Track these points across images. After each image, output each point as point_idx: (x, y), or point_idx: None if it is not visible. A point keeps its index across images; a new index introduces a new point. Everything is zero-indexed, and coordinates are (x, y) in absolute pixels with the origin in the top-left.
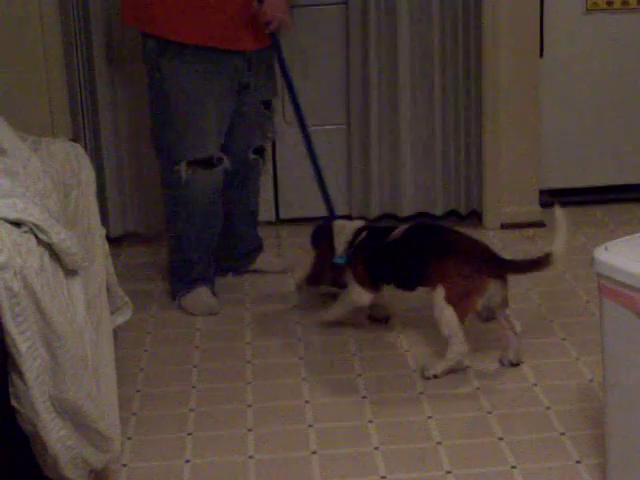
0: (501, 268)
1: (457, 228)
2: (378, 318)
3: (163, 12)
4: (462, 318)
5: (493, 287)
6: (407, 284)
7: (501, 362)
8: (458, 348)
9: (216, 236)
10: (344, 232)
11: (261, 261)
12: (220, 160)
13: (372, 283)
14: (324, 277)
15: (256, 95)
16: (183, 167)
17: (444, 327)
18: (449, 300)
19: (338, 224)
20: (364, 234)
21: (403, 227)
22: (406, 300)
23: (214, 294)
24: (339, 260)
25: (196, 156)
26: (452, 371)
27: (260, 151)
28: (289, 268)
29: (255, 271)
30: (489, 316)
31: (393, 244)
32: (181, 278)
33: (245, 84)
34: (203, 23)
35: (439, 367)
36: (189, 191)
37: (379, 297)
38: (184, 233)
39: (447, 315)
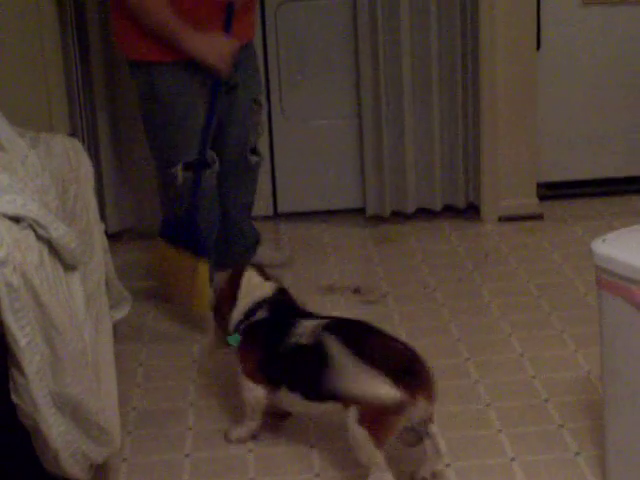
0: (425, 383)
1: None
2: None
3: (146, 37)
4: (379, 444)
5: (415, 406)
6: (314, 396)
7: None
8: (378, 475)
9: (214, 235)
10: (249, 293)
11: (261, 254)
12: (214, 161)
13: (265, 379)
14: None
15: (246, 93)
16: (179, 169)
17: (360, 454)
18: (362, 423)
19: (250, 279)
20: (264, 309)
21: (315, 322)
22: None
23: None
24: (231, 341)
25: (191, 158)
26: None
27: (257, 151)
28: (289, 261)
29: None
30: (415, 439)
31: (302, 347)
32: None
33: (233, 84)
34: None
35: None
36: (184, 193)
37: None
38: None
39: (361, 440)
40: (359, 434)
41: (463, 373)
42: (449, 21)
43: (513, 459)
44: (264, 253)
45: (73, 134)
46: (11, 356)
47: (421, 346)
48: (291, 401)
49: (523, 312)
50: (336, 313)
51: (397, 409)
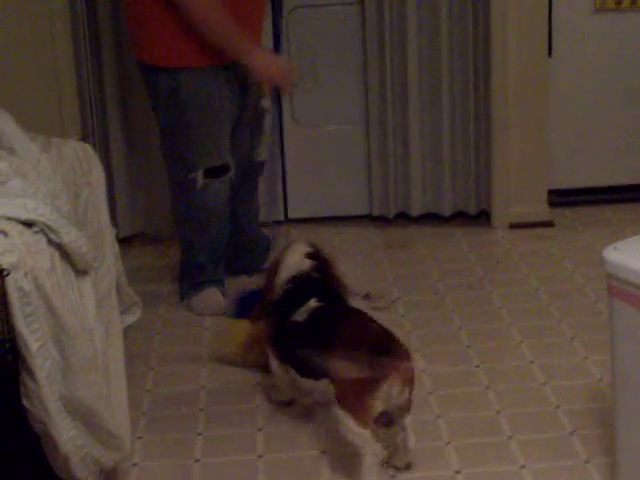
0: (400, 364)
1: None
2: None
3: (173, 44)
4: (360, 423)
5: (390, 386)
6: (308, 374)
7: (388, 465)
8: (372, 450)
9: (225, 240)
10: (289, 266)
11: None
12: (231, 167)
13: (281, 356)
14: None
15: (255, 97)
16: (200, 175)
17: (343, 432)
18: (341, 405)
19: (295, 250)
20: (291, 285)
21: (316, 304)
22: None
23: (223, 295)
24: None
25: (213, 163)
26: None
27: (261, 155)
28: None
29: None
30: (391, 421)
31: (297, 324)
32: (190, 280)
33: (246, 88)
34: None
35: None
36: (203, 198)
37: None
38: (195, 239)
39: (340, 419)
40: (337, 413)
41: (473, 380)
42: (460, 28)
43: (523, 466)
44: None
45: (84, 139)
46: (22, 361)
47: (431, 353)
48: (295, 378)
49: (533, 319)
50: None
51: (370, 388)
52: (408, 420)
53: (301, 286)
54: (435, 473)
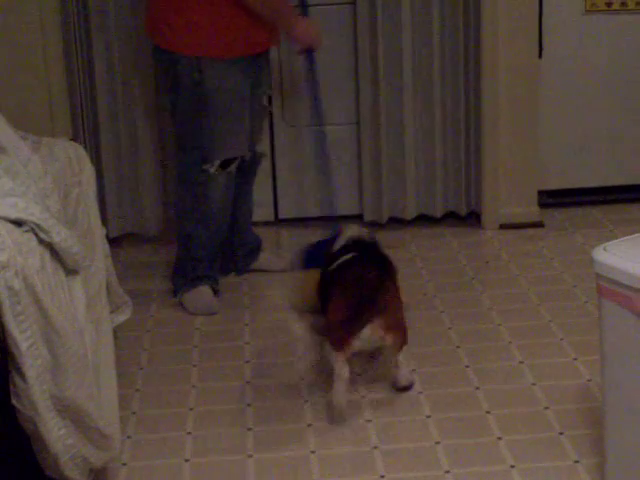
0: (376, 314)
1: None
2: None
3: (201, 33)
4: (338, 353)
5: (372, 333)
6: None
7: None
8: (341, 371)
9: (223, 237)
10: (345, 236)
11: (262, 260)
12: (243, 159)
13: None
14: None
15: (262, 91)
16: (215, 166)
17: (327, 356)
18: (324, 332)
19: (351, 228)
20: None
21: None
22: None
23: (216, 293)
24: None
25: (231, 155)
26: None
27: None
28: (289, 267)
29: (256, 270)
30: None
31: (327, 274)
32: (184, 275)
33: (258, 83)
34: (242, 35)
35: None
36: (210, 191)
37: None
38: (195, 232)
39: (327, 349)
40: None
41: (462, 380)
42: (451, 29)
43: (512, 466)
44: (265, 259)
45: (75, 138)
46: (12, 360)
47: (421, 353)
48: None
49: (523, 319)
50: None
51: (351, 330)
52: (400, 358)
53: (348, 245)
54: (424, 473)
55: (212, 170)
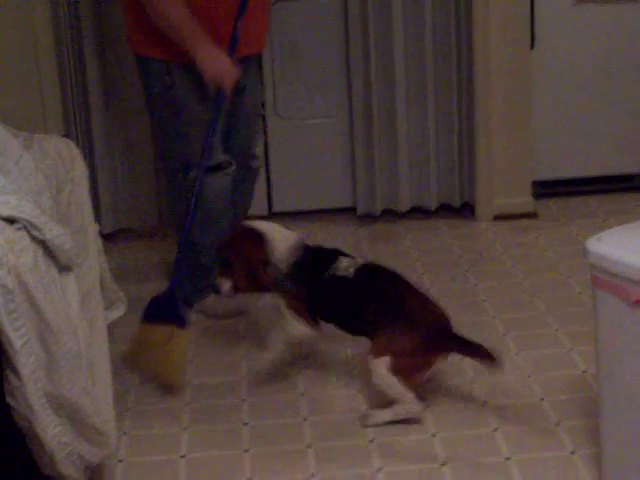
0: (451, 345)
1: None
2: None
3: (169, 38)
4: (409, 388)
5: (440, 361)
6: (350, 329)
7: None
8: (411, 407)
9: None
10: (283, 240)
11: None
12: (229, 163)
13: (310, 318)
14: (252, 284)
15: (250, 99)
16: (200, 174)
17: (391, 392)
18: (393, 372)
19: (274, 229)
20: (305, 254)
21: (352, 262)
22: None
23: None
24: (289, 285)
25: (214, 162)
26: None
27: (258, 156)
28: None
29: None
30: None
31: (342, 279)
32: (195, 284)
33: (241, 87)
34: (214, 39)
35: (382, 416)
36: (205, 197)
37: None
38: (198, 239)
39: (392, 384)
40: (389, 379)
41: (458, 371)
42: (443, 20)
43: (509, 458)
44: None
45: (67, 135)
46: (6, 358)
47: None
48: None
49: (518, 311)
50: None
51: (425, 365)
52: None
53: (318, 251)
54: (421, 465)
55: (198, 177)
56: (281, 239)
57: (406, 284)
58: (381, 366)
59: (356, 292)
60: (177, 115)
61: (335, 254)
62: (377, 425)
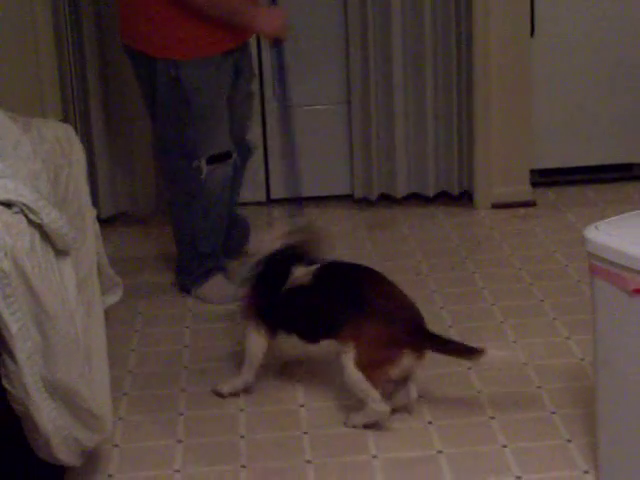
0: (424, 343)
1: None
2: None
3: (172, 36)
4: (375, 384)
5: (411, 360)
6: (311, 335)
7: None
8: (376, 407)
9: (225, 225)
10: (260, 249)
11: (254, 242)
12: (234, 151)
13: (266, 327)
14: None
15: (245, 81)
16: (203, 162)
17: (357, 391)
18: (360, 366)
19: (259, 239)
20: (265, 262)
21: (313, 267)
22: None
23: (229, 280)
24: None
25: (217, 151)
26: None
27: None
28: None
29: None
30: (395, 389)
31: (299, 288)
32: (192, 271)
33: (239, 72)
34: (214, 34)
35: (357, 419)
36: (209, 184)
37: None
38: (198, 227)
39: (358, 381)
40: (355, 375)
41: (455, 360)
42: (442, 6)
43: (505, 446)
44: (257, 240)
45: (65, 119)
46: (2, 342)
47: None
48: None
49: (516, 299)
50: None
51: (394, 360)
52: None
53: (284, 257)
54: (417, 453)
55: (203, 166)
56: (267, 243)
57: (371, 278)
58: (350, 362)
59: (315, 296)
60: (183, 110)
61: (289, 265)
62: (356, 427)
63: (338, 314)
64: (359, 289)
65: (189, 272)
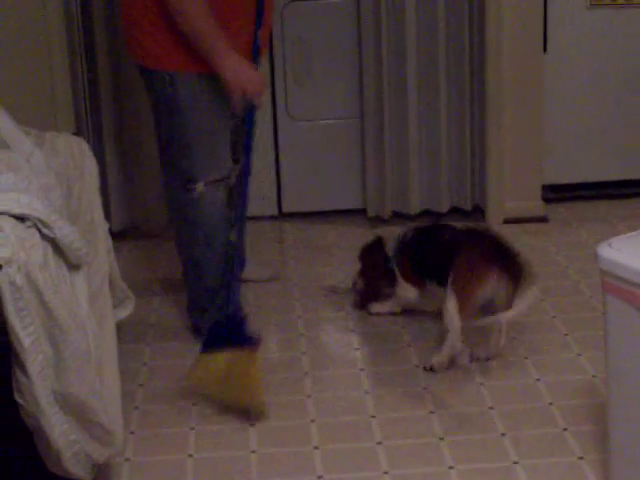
0: (508, 265)
1: (467, 223)
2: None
3: (177, 47)
4: (464, 310)
5: (497, 281)
6: (441, 280)
7: (472, 358)
8: (451, 342)
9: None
10: (393, 238)
11: (249, 271)
12: (231, 174)
13: (417, 279)
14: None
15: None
16: (199, 188)
17: (445, 318)
18: (453, 288)
19: (388, 234)
20: (410, 234)
21: (448, 228)
22: None
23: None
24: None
25: (213, 176)
26: (450, 365)
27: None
28: (276, 276)
29: (243, 281)
30: (494, 312)
31: (433, 244)
32: (204, 310)
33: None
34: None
35: (437, 359)
36: (205, 210)
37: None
38: (203, 256)
39: (450, 307)
40: (449, 301)
41: (466, 376)
42: (455, 23)
43: (516, 462)
44: (252, 269)
45: (78, 133)
46: (14, 355)
47: (424, 348)
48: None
49: (527, 315)
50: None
51: (481, 278)
52: (505, 320)
53: (419, 230)
54: (428, 469)
55: (198, 192)
56: (392, 238)
57: (481, 235)
58: (452, 301)
59: (443, 251)
60: (180, 127)
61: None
62: (432, 369)
63: (452, 262)
64: (465, 240)
65: (201, 311)
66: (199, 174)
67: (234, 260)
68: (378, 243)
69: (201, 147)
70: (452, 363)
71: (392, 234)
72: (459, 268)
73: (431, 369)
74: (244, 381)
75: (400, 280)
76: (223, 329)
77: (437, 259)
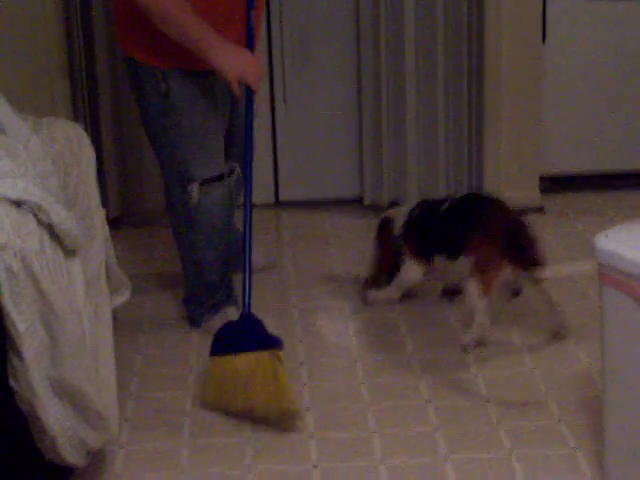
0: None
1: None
2: (450, 290)
3: (164, 44)
4: (487, 288)
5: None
6: (452, 253)
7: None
8: (479, 321)
9: (233, 252)
10: (400, 215)
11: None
12: (231, 171)
13: (424, 256)
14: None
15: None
16: (195, 188)
17: (467, 299)
18: (476, 268)
19: (393, 211)
20: (417, 210)
21: (452, 198)
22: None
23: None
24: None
25: (209, 175)
26: (479, 344)
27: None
28: (272, 264)
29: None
30: (517, 292)
31: (441, 215)
32: (202, 303)
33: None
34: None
35: (467, 338)
36: (204, 210)
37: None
38: (203, 256)
39: (470, 287)
40: (470, 281)
41: (462, 366)
42: (455, 13)
43: (511, 453)
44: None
45: (75, 119)
46: (9, 341)
47: (420, 338)
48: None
49: (523, 306)
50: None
51: (499, 257)
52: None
53: (426, 204)
54: (423, 459)
55: (195, 192)
56: (399, 215)
57: (491, 204)
58: (473, 284)
59: (453, 222)
60: (172, 125)
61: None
62: (474, 345)
63: (466, 234)
64: (479, 213)
65: (198, 303)
66: (195, 173)
67: (236, 253)
68: (385, 223)
69: (195, 145)
70: (481, 342)
71: (397, 214)
72: (479, 248)
73: (464, 350)
74: (277, 385)
75: (406, 259)
76: (238, 331)
77: (447, 231)
